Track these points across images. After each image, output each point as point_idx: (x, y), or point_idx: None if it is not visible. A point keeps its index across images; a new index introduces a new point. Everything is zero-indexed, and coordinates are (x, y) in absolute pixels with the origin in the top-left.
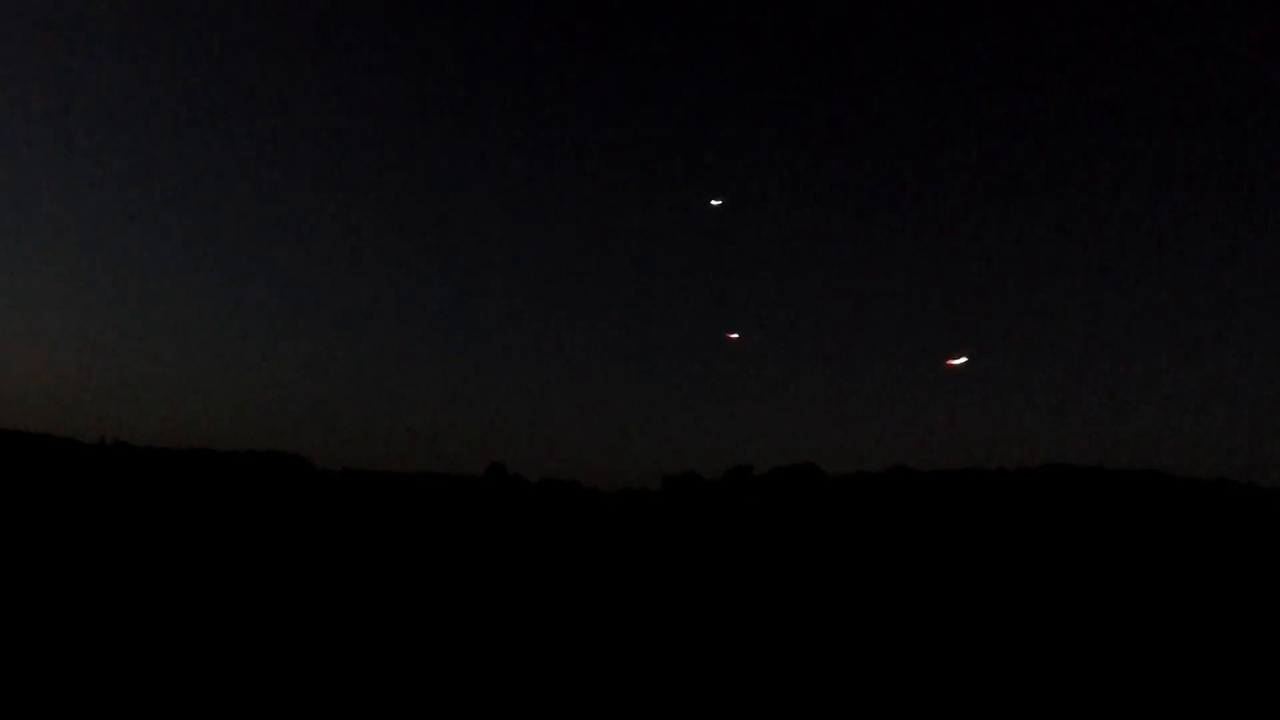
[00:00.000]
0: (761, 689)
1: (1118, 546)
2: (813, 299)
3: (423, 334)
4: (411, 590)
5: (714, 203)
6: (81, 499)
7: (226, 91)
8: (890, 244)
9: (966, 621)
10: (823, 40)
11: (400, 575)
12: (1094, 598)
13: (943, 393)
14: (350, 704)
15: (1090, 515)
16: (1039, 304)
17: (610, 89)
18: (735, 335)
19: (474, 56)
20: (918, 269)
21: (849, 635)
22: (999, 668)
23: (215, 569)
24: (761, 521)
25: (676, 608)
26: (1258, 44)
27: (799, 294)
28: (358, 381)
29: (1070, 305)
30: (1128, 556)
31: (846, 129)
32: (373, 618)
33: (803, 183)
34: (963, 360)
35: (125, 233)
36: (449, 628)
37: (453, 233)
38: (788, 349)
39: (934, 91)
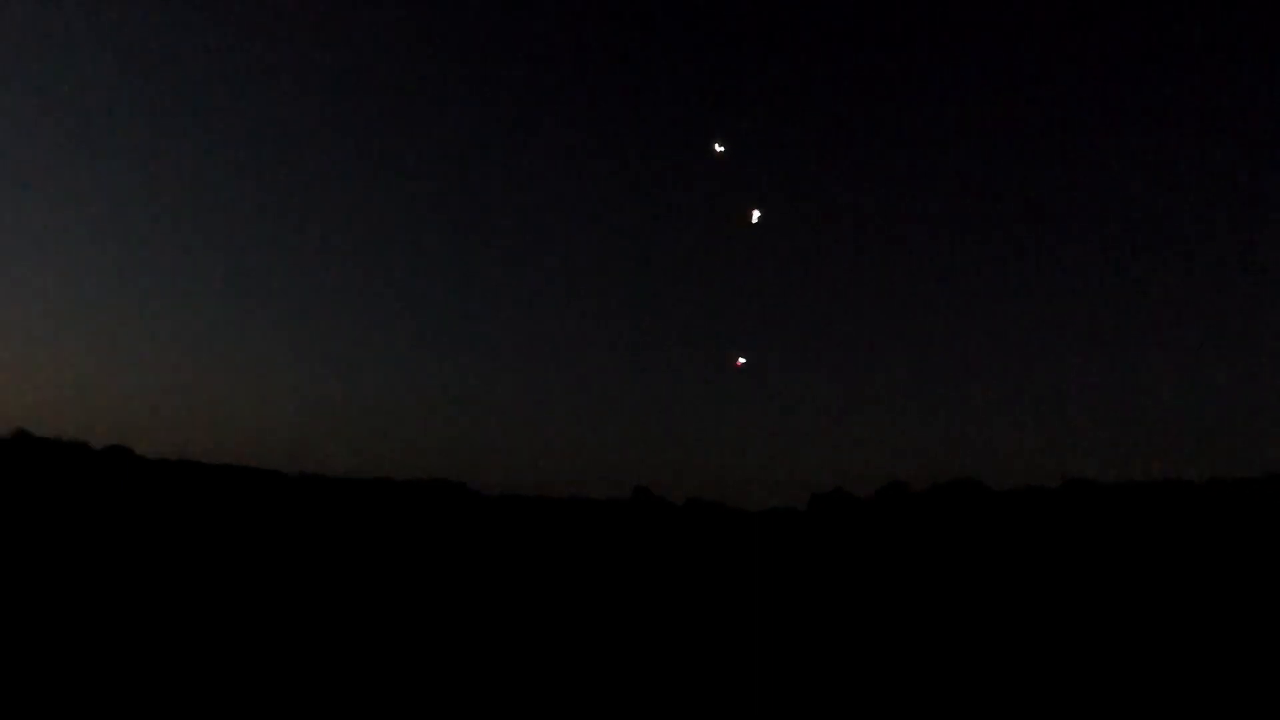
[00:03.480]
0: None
1: None
2: (974, 296)
3: (566, 360)
4: (569, 615)
5: (718, 148)
6: (281, 525)
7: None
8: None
9: (1168, 654)
10: (869, 55)
11: (557, 601)
12: None
13: (1114, 398)
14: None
15: None
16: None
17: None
18: (743, 360)
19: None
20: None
21: (1020, 661)
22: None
23: (398, 592)
24: (918, 540)
25: (828, 630)
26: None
27: (958, 292)
28: (509, 408)
29: None
30: None
31: (974, 115)
32: (533, 642)
33: (950, 180)
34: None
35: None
36: (600, 651)
37: (599, 257)
38: (940, 355)
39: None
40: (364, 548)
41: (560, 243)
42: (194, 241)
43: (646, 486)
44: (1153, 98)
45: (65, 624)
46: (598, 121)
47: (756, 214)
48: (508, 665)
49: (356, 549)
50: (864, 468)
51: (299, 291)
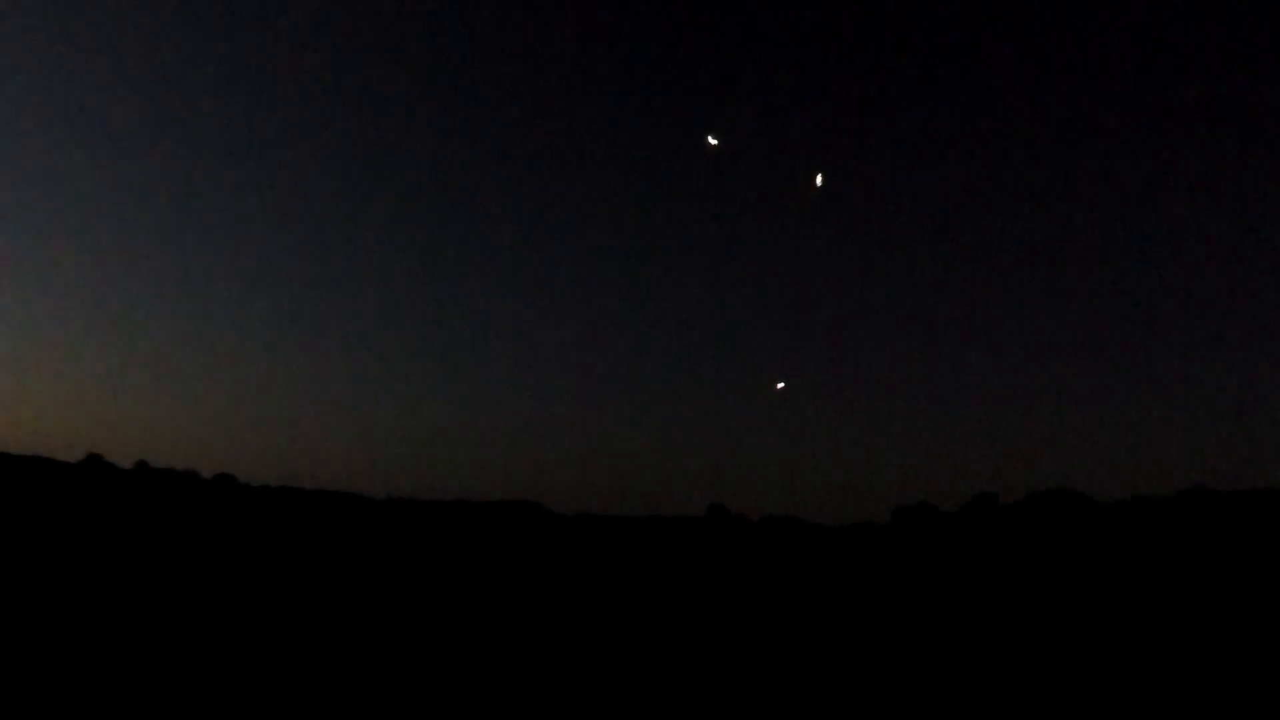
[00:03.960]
0: None
1: None
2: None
3: (640, 379)
4: (645, 634)
5: (711, 141)
6: (371, 545)
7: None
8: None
9: None
10: (903, 78)
11: (633, 620)
12: None
13: (1235, 402)
14: None
15: None
16: None
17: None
18: (782, 385)
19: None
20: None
21: (1132, 688)
22: None
23: (478, 609)
24: (1011, 557)
25: (910, 648)
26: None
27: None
28: (583, 428)
29: None
30: None
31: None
32: (609, 659)
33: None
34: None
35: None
36: (677, 669)
37: (670, 283)
38: (1036, 358)
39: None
40: (446, 567)
41: (632, 271)
42: (285, 288)
43: (722, 503)
44: (1184, 120)
45: (186, 631)
46: (674, 154)
47: (820, 178)
48: (584, 680)
49: (440, 568)
50: (949, 480)
51: (387, 333)
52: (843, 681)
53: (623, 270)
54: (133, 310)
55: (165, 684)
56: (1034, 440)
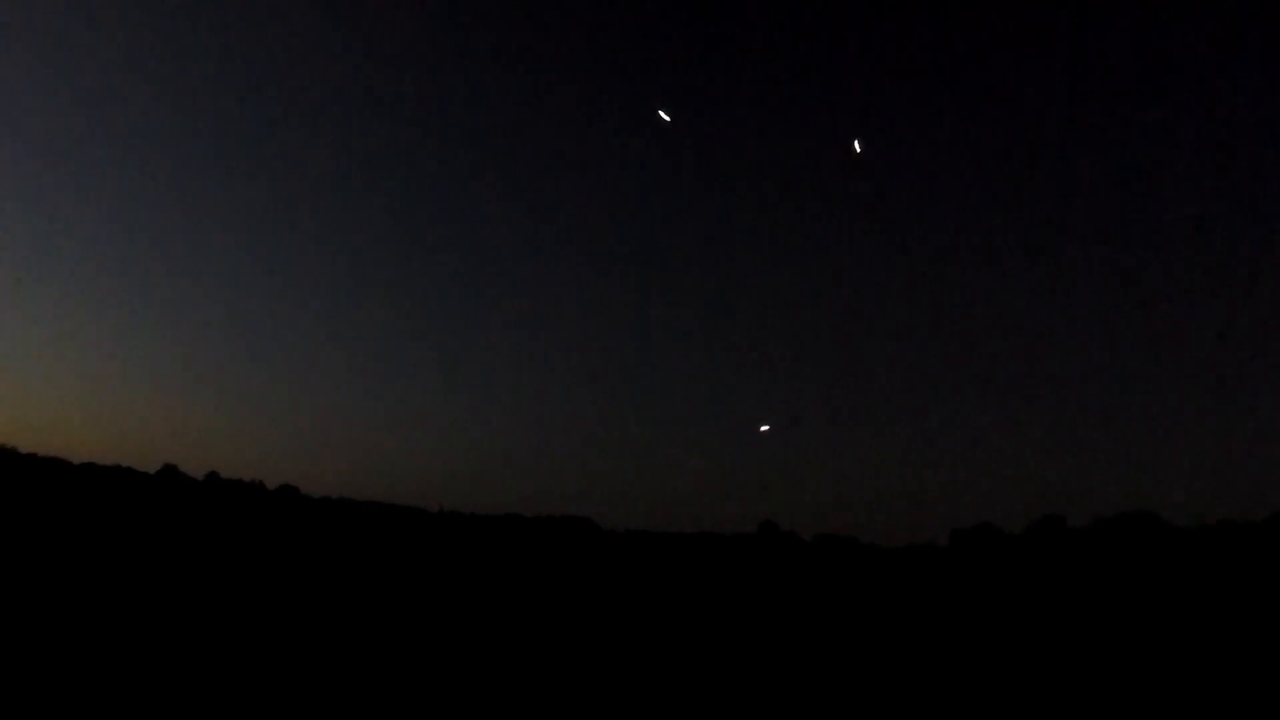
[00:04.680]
0: None
1: None
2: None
3: (694, 393)
4: (694, 653)
5: (664, 117)
6: (423, 557)
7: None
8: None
9: None
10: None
11: (682, 638)
12: None
13: None
14: None
15: None
16: None
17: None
18: (765, 428)
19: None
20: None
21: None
22: None
23: (528, 625)
24: (1080, 582)
25: (970, 677)
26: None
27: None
28: (634, 444)
29: None
30: None
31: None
32: (660, 678)
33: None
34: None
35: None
36: (722, 688)
37: (725, 293)
38: (1111, 373)
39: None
40: (497, 581)
41: (689, 288)
42: (345, 312)
43: (773, 521)
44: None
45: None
46: (719, 178)
47: (858, 144)
48: (631, 698)
49: (490, 582)
50: (1013, 500)
51: (448, 353)
52: (896, 709)
53: (679, 287)
54: (207, 332)
55: (225, 685)
56: (1105, 460)
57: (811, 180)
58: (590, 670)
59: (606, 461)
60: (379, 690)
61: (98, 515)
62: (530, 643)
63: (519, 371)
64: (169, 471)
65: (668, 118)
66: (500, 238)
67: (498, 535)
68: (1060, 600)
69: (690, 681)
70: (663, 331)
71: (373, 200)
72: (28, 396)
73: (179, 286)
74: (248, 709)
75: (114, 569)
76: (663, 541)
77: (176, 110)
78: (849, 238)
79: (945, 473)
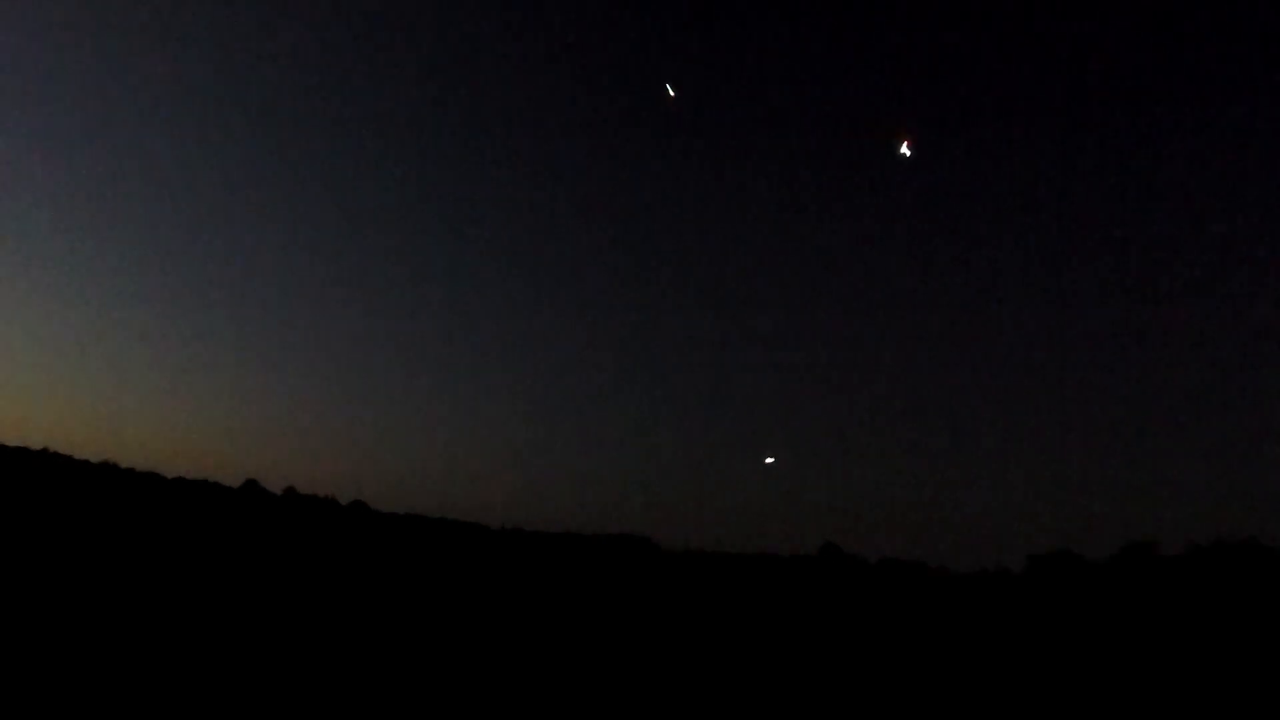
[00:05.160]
0: None
1: None
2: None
3: (755, 412)
4: (749, 677)
5: (670, 92)
6: (483, 573)
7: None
8: None
9: None
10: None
11: (738, 662)
12: None
13: None
14: None
15: None
16: None
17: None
18: (771, 460)
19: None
20: None
21: None
22: None
23: (582, 645)
24: (1169, 615)
25: (1040, 710)
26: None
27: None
28: (695, 463)
29: None
30: None
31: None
32: (715, 704)
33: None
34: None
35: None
36: (780, 712)
37: (791, 312)
38: (1198, 396)
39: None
40: (556, 600)
41: (757, 307)
42: (409, 331)
43: (836, 543)
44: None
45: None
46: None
47: (906, 147)
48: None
49: (550, 600)
50: (1095, 525)
51: (513, 373)
52: None
53: (746, 305)
54: (286, 350)
55: (298, 691)
56: (1197, 484)
57: (854, 187)
58: (648, 691)
59: (667, 480)
60: (438, 703)
61: (193, 527)
62: (587, 661)
63: (581, 390)
64: (250, 486)
65: (673, 92)
66: (554, 250)
67: (557, 552)
68: (1150, 631)
69: (748, 704)
70: (723, 349)
71: (423, 222)
72: (120, 410)
73: (255, 303)
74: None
75: (206, 578)
76: (723, 562)
77: (213, 115)
78: (909, 257)
79: (1020, 497)
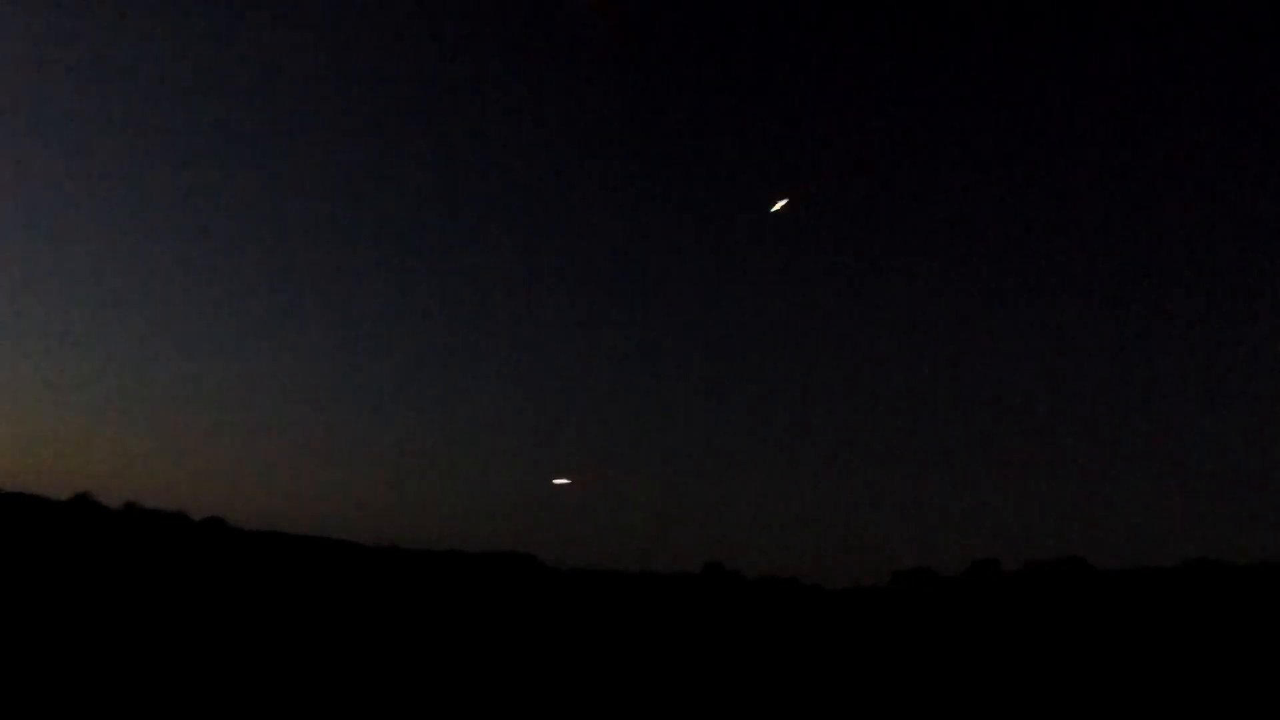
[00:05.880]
0: None
1: None
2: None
3: (636, 429)
4: (636, 690)
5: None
6: (358, 593)
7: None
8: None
9: None
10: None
11: (624, 675)
12: None
13: (1242, 474)
14: None
15: None
16: None
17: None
18: (563, 480)
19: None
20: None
21: None
22: None
23: (462, 662)
24: (1013, 623)
25: (908, 714)
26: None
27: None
28: (585, 478)
29: None
30: None
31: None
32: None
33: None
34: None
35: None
36: None
37: (670, 330)
38: (1044, 421)
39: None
40: (435, 618)
41: (636, 322)
42: (278, 332)
43: (719, 561)
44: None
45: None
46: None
47: (783, 203)
48: None
49: (429, 619)
50: (951, 544)
51: (378, 377)
52: None
53: (627, 320)
54: (125, 347)
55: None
56: (1038, 506)
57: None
58: (535, 707)
59: (551, 497)
60: None
61: (10, 547)
62: (470, 682)
63: (457, 404)
64: (81, 500)
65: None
66: (409, 253)
67: (437, 571)
68: (995, 639)
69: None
70: (605, 364)
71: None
72: None
73: (95, 298)
74: None
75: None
76: (608, 580)
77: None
78: (785, 283)
79: (887, 517)
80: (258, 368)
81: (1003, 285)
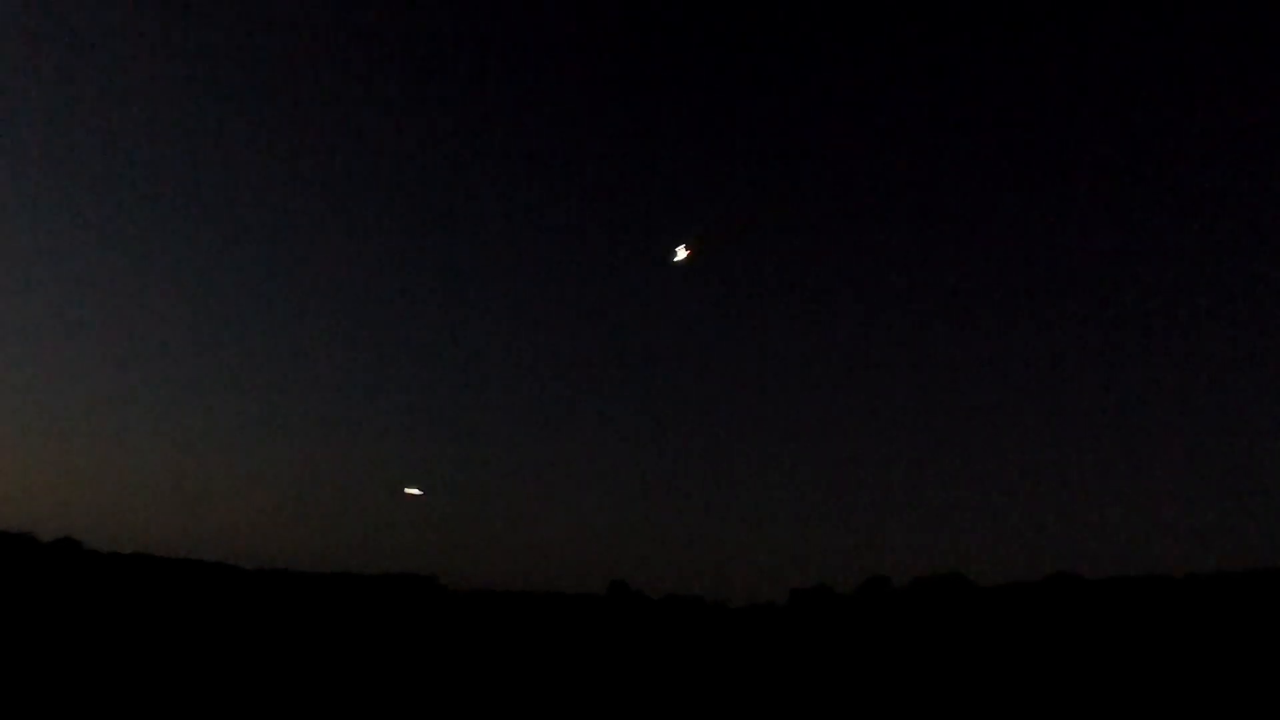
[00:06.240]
0: None
1: None
2: (950, 390)
3: (541, 449)
4: (542, 709)
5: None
6: (236, 619)
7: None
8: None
9: None
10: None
11: (529, 695)
12: None
13: (1107, 491)
14: None
15: None
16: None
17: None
18: (416, 491)
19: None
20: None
21: None
22: None
23: (355, 688)
24: (902, 637)
25: None
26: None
27: (933, 387)
28: (480, 499)
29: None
30: None
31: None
32: None
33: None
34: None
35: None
36: None
37: (569, 351)
38: (924, 451)
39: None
40: (322, 644)
41: (539, 344)
42: (137, 347)
43: (624, 581)
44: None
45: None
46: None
47: (683, 250)
48: None
49: (313, 645)
50: (846, 563)
51: (261, 383)
52: None
53: (532, 343)
54: None
55: None
56: (926, 524)
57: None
58: None
59: (453, 518)
60: None
61: None
62: (363, 713)
63: (353, 416)
64: None
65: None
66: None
67: (327, 595)
68: (885, 652)
69: None
70: (514, 388)
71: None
72: None
73: None
74: None
75: None
76: (511, 601)
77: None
78: (714, 307)
79: (784, 538)
80: (124, 380)
81: (872, 321)
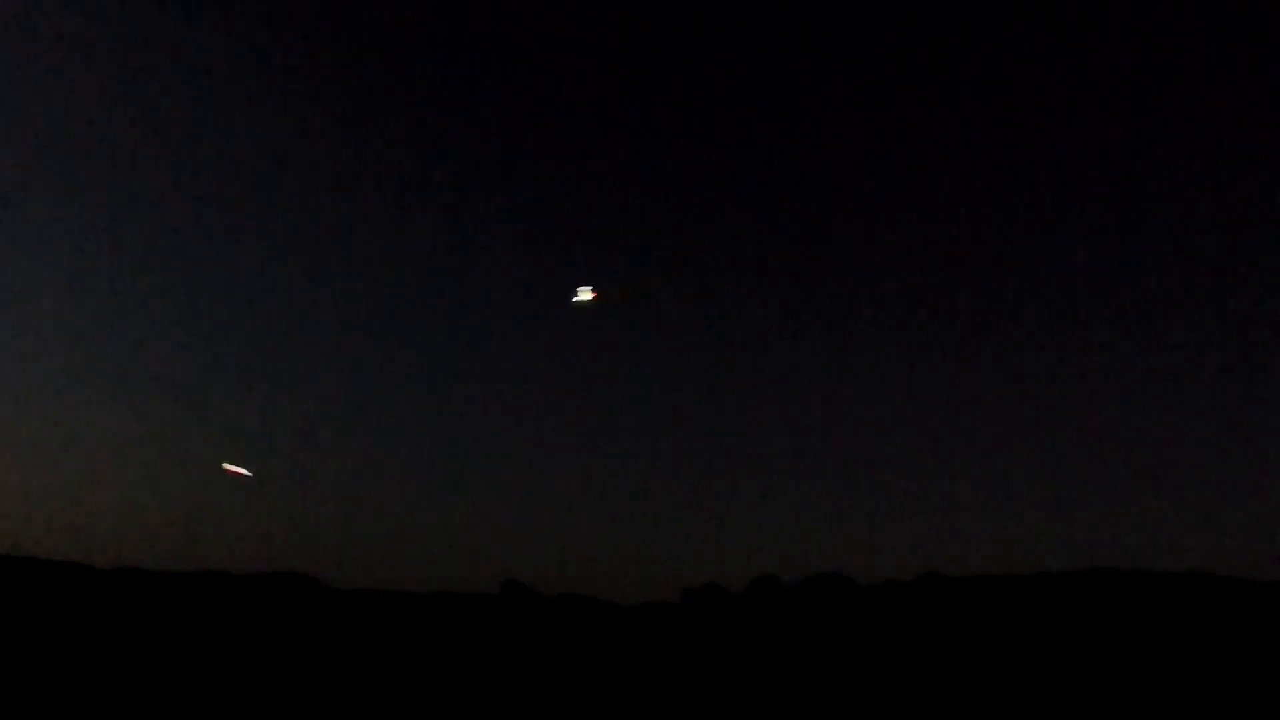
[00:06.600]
0: None
1: (1159, 647)
2: (834, 402)
3: (433, 449)
4: (430, 710)
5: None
6: (95, 621)
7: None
8: (920, 350)
9: None
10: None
11: (418, 694)
12: (1143, 703)
13: (974, 496)
14: None
15: (1139, 619)
16: (1064, 410)
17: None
18: (240, 471)
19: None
20: (942, 372)
21: None
22: None
23: (230, 688)
24: (789, 633)
25: None
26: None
27: (818, 398)
28: (367, 498)
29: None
30: (1168, 657)
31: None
32: None
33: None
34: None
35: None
36: None
37: (467, 353)
38: (808, 457)
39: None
40: (186, 646)
41: (433, 347)
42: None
43: (517, 580)
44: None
45: None
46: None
47: (587, 292)
48: None
49: (177, 647)
50: (735, 563)
51: (121, 372)
52: None
53: (425, 346)
54: None
55: None
56: (811, 524)
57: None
58: None
59: (335, 514)
60: None
61: None
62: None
63: (232, 416)
64: None
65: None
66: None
67: (194, 595)
68: (775, 648)
69: None
70: (403, 386)
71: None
72: None
73: None
74: None
75: None
76: (398, 600)
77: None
78: (605, 308)
79: (676, 538)
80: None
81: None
